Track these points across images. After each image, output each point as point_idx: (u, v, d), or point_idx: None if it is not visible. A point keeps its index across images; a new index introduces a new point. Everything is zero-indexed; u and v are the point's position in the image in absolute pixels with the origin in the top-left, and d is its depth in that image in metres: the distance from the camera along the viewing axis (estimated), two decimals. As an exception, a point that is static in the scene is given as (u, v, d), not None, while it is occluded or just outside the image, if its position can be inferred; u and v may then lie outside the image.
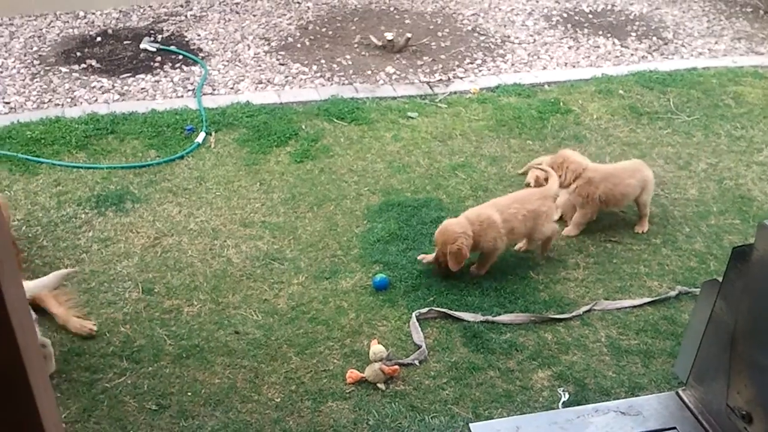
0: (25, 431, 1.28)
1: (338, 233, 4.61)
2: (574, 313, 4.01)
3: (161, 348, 3.73)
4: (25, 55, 6.58)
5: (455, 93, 6.29)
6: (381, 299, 4.10)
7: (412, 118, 5.91)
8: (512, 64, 6.81)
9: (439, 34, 7.36)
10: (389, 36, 6.99)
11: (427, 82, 6.49)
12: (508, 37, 7.33)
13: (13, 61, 6.47)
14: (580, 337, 3.90)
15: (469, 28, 7.49)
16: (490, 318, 3.96)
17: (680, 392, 3.10)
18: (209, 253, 4.37)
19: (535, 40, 7.27)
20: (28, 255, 4.29)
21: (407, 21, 7.61)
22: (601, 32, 7.48)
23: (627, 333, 3.94)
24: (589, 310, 4.05)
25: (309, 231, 4.61)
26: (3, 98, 5.93)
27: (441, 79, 6.54)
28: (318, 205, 4.85)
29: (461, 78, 6.56)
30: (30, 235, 4.46)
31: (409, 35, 7.02)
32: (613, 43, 7.28)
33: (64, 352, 3.67)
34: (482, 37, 7.31)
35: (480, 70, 6.70)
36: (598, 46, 7.19)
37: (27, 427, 1.28)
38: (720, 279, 2.84)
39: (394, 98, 6.22)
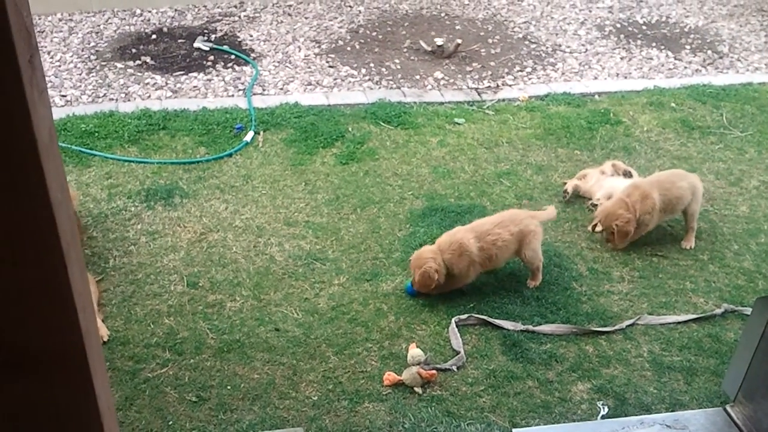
0: (82, 412, 1.32)
1: (380, 236, 4.63)
2: (616, 327, 3.96)
3: (203, 341, 3.79)
4: (82, 50, 6.77)
5: (503, 100, 6.26)
6: (421, 303, 4.11)
7: (458, 124, 5.90)
8: (563, 73, 6.75)
9: (490, 41, 7.34)
10: (439, 41, 6.99)
11: (476, 89, 6.47)
12: (560, 45, 7.27)
13: (71, 56, 6.66)
14: (621, 351, 3.84)
15: (520, 35, 7.45)
16: (530, 327, 3.93)
17: (728, 408, 3.03)
18: (253, 251, 4.43)
19: (586, 50, 7.19)
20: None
21: (458, 27, 7.61)
22: (654, 44, 7.36)
23: (670, 349, 3.87)
24: (632, 324, 3.99)
25: (352, 232, 4.64)
26: (60, 91, 6.11)
27: (490, 86, 6.52)
28: (361, 207, 4.87)
29: (510, 85, 6.52)
30: (81, 225, 4.57)
31: (459, 41, 7.02)
32: (667, 55, 7.16)
33: (109, 340, 3.76)
34: (533, 45, 7.27)
35: (529, 78, 6.65)
36: (651, 58, 7.08)
37: (84, 408, 1.32)
38: (773, 297, 2.77)
39: (442, 103, 6.22)
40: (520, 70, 6.78)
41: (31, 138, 1.06)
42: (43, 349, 1.23)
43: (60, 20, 7.25)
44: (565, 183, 5.05)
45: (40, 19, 7.21)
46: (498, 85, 6.53)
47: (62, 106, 5.91)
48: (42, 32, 7.00)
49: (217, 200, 4.85)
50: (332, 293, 4.15)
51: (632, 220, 4.40)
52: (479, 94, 6.38)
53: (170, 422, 3.35)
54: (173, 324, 3.90)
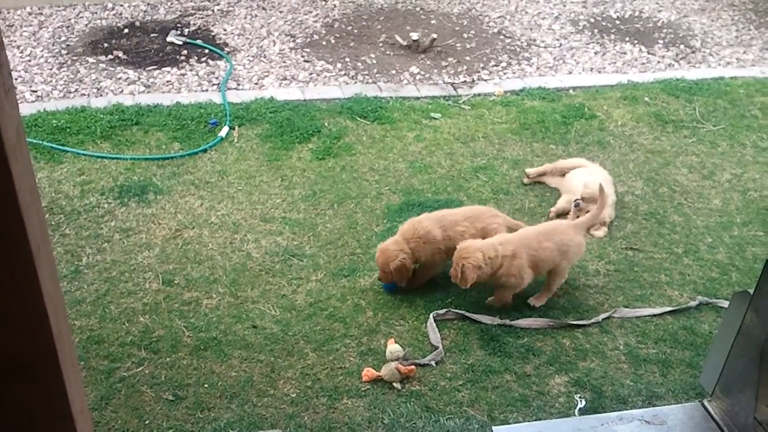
0: (55, 415, 1.29)
1: (358, 231, 4.61)
2: (592, 320, 3.99)
3: (179, 339, 3.75)
4: (53, 45, 6.65)
5: (479, 95, 6.27)
6: (399, 299, 4.10)
7: (435, 118, 5.90)
8: (537, 68, 6.78)
9: (465, 35, 7.34)
10: (414, 36, 6.98)
11: (451, 84, 6.48)
12: (534, 40, 7.30)
13: (41, 50, 6.54)
14: (598, 344, 3.87)
15: (495, 30, 7.47)
16: (507, 322, 3.94)
17: (705, 403, 3.07)
18: (229, 247, 4.39)
19: (561, 45, 7.23)
20: (51, 242, 4.33)
21: (433, 21, 7.60)
22: (628, 38, 7.43)
23: (646, 342, 3.91)
24: (608, 318, 4.02)
25: (329, 228, 4.62)
26: (30, 86, 5.99)
27: (465, 81, 6.53)
28: (338, 202, 4.85)
29: (485, 80, 6.54)
30: (53, 222, 4.50)
31: (434, 36, 7.01)
32: (640, 49, 7.22)
33: (83, 339, 3.70)
34: (508, 40, 7.29)
35: (505, 73, 6.67)
36: (625, 53, 7.14)
37: (57, 410, 1.30)
38: (751, 291, 2.80)
39: (418, 98, 6.21)
40: (495, 65, 6.79)
41: None
42: (14, 353, 1.20)
43: (29, 14, 7.12)
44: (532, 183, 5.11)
45: (9, 13, 7.08)
46: (473, 80, 6.54)
47: (33, 101, 5.81)
48: (11, 26, 6.86)
49: (192, 196, 4.79)
50: (310, 289, 4.13)
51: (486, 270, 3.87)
52: (455, 89, 6.38)
53: (147, 421, 3.31)
54: (149, 322, 3.85)
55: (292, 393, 3.51)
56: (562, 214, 4.78)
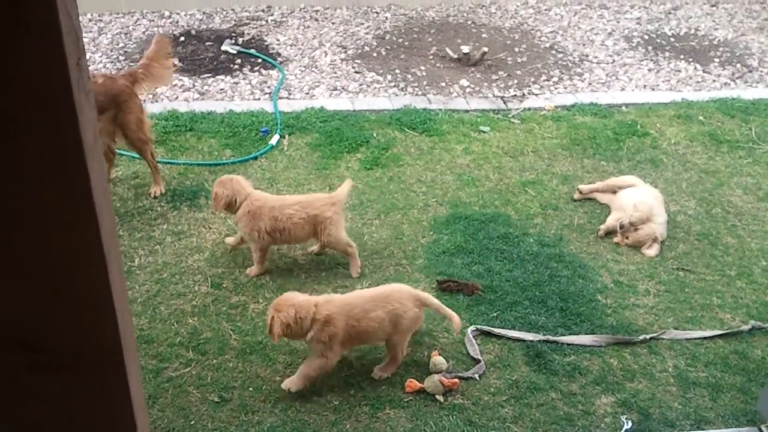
0: (118, 411, 1.32)
1: (404, 242, 4.62)
2: (640, 338, 3.91)
3: (226, 342, 3.80)
4: (111, 51, 6.84)
5: (529, 109, 6.24)
6: (444, 311, 4.08)
7: (484, 132, 5.88)
8: (589, 84, 6.72)
9: (516, 49, 7.32)
10: (465, 49, 6.99)
11: (501, 97, 6.46)
12: (587, 56, 7.24)
13: (100, 56, 6.73)
14: (646, 365, 3.80)
15: (547, 45, 7.43)
16: (551, 338, 3.90)
17: (764, 429, 2.98)
18: (276, 254, 4.44)
19: (614, 61, 7.15)
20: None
21: (484, 35, 7.60)
22: (682, 56, 7.31)
23: (695, 365, 3.82)
24: (657, 338, 3.94)
25: (375, 238, 4.63)
26: (90, 91, 6.16)
27: (515, 95, 6.50)
28: (385, 212, 4.87)
29: (536, 94, 6.50)
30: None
31: (485, 49, 7.01)
32: (695, 68, 7.10)
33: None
34: (560, 55, 7.24)
35: (556, 88, 6.63)
36: (679, 70, 7.03)
37: (119, 407, 1.32)
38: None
39: (467, 111, 6.21)
40: (547, 80, 6.75)
41: (78, 140, 1.07)
42: (82, 347, 1.23)
43: (90, 21, 7.34)
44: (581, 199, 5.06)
45: (71, 19, 7.30)
46: (524, 94, 6.51)
47: (91, 105, 5.97)
48: (72, 32, 7.08)
49: (242, 202, 4.86)
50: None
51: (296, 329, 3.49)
52: (505, 103, 6.36)
53: (192, 422, 3.36)
54: (197, 324, 3.91)
55: (335, 400, 3.53)
56: (611, 232, 4.71)
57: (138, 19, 7.47)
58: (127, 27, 7.30)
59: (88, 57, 6.69)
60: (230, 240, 4.44)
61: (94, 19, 7.39)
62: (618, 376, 3.71)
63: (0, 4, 0.99)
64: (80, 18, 7.24)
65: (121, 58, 6.74)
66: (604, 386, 3.65)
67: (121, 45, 6.97)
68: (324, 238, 4.23)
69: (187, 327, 3.89)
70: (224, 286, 4.18)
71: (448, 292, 4.22)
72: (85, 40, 6.82)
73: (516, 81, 6.73)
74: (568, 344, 3.87)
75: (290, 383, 3.49)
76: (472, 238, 4.66)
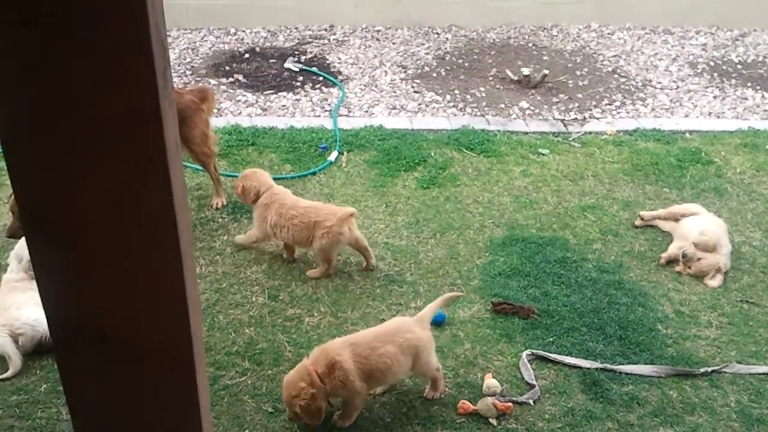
0: (185, 408, 1.35)
1: (459, 262, 4.60)
2: (702, 370, 3.80)
3: (281, 353, 3.83)
4: (178, 66, 7.04)
5: (590, 133, 6.17)
6: (498, 333, 4.05)
7: (543, 154, 5.84)
8: (652, 109, 6.61)
9: (578, 72, 7.26)
10: (526, 71, 6.97)
11: (562, 120, 6.41)
12: (650, 81, 7.13)
13: (169, 70, 6.93)
14: (707, 399, 3.68)
15: (610, 69, 7.35)
16: (609, 366, 3.82)
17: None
18: (332, 269, 4.47)
19: (678, 87, 7.03)
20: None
21: (545, 57, 7.56)
22: (750, 84, 7.14)
23: (759, 401, 3.69)
24: (719, 371, 3.82)
25: (430, 257, 4.63)
26: (157, 104, 6.34)
27: (576, 118, 6.44)
28: (441, 232, 4.86)
29: (597, 118, 6.43)
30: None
31: (546, 72, 6.98)
32: (763, 96, 6.92)
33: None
34: (622, 79, 7.15)
35: (618, 112, 6.54)
36: (746, 98, 6.86)
37: (187, 404, 1.36)
38: None
39: (526, 133, 6.17)
40: (609, 104, 6.67)
41: (161, 145, 1.11)
42: (155, 347, 1.27)
43: (160, 36, 7.57)
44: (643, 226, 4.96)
45: (141, 34, 7.55)
46: (585, 118, 6.45)
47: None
48: (142, 46, 7.31)
49: (300, 216, 4.93)
50: (409, 316, 4.13)
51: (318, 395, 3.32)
52: (565, 126, 6.31)
53: (246, 430, 3.39)
54: (253, 334, 3.96)
55: (387, 417, 3.52)
56: (673, 261, 4.61)
57: (205, 35, 7.68)
58: (194, 42, 7.51)
59: (156, 71, 6.90)
60: (240, 239, 4.66)
61: (163, 34, 7.61)
62: (677, 409, 3.61)
63: (95, 18, 1.04)
64: (150, 33, 7.48)
65: (187, 72, 6.93)
66: (663, 418, 3.55)
67: (188, 60, 7.17)
68: (314, 245, 4.32)
69: (244, 337, 3.94)
70: (280, 298, 4.23)
71: (503, 314, 4.19)
72: (154, 54, 7.05)
73: (577, 104, 6.67)
74: (626, 373, 3.79)
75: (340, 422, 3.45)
76: (528, 261, 4.62)
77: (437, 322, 4.06)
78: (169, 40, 7.51)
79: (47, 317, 1.29)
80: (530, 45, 7.86)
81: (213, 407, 3.49)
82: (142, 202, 1.18)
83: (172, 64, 6.92)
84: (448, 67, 7.32)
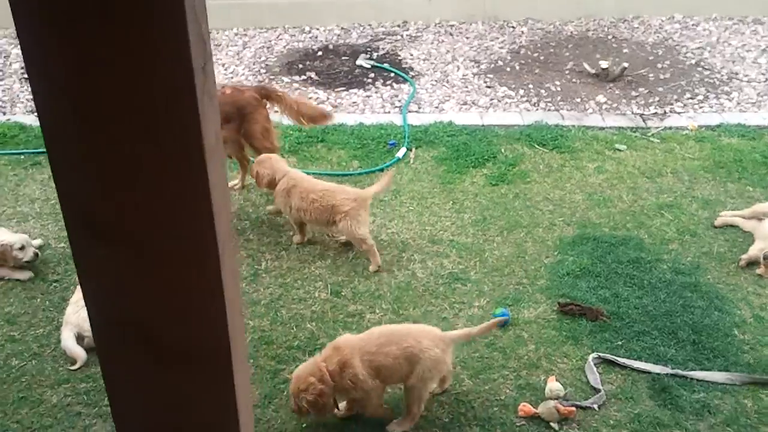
0: (221, 406, 1.35)
1: (526, 261, 4.50)
2: (783, 382, 3.58)
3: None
4: (254, 64, 7.18)
5: (670, 128, 5.91)
6: (564, 335, 3.93)
7: (619, 150, 5.64)
8: (738, 103, 6.27)
9: (659, 65, 6.97)
10: (604, 64, 6.74)
11: (640, 115, 6.17)
12: (736, 74, 6.77)
13: (243, 69, 7.08)
14: (788, 410, 3.46)
15: (693, 61, 7.02)
16: (680, 372, 3.64)
17: None
18: (396, 265, 4.45)
19: (766, 80, 6.64)
20: (235, 246, 4.65)
21: (625, 50, 7.30)
22: None
23: None
24: (802, 382, 3.59)
25: (496, 255, 4.54)
26: (232, 101, 6.49)
27: (656, 113, 6.19)
28: (508, 230, 4.77)
29: (678, 113, 6.15)
30: (239, 228, 4.82)
31: (625, 65, 6.73)
32: None
33: (255, 339, 3.91)
34: (706, 72, 6.82)
35: (701, 107, 6.24)
36: None
37: (223, 402, 1.36)
38: None
39: (602, 128, 5.97)
40: (691, 98, 6.38)
41: (199, 139, 1.11)
42: (190, 344, 1.27)
43: (236, 35, 7.74)
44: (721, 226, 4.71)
45: (218, 33, 7.74)
46: (665, 112, 6.18)
47: (232, 115, 6.28)
48: (218, 45, 7.50)
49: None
50: (471, 315, 4.08)
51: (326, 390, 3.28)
52: (644, 121, 6.07)
53: (304, 425, 3.42)
54: (315, 329, 3.99)
55: (445, 417, 3.48)
56: (754, 262, 4.35)
57: (280, 34, 7.79)
58: (270, 41, 7.64)
59: (231, 70, 7.05)
60: (270, 208, 4.86)
61: (240, 33, 7.78)
62: (752, 419, 3.40)
63: (134, 12, 1.04)
64: (227, 32, 7.67)
65: (262, 71, 7.06)
66: (736, 428, 3.36)
67: (263, 59, 7.30)
68: (335, 228, 4.41)
69: (305, 332, 3.98)
70: (343, 294, 4.24)
71: (570, 315, 4.06)
72: (229, 53, 7.22)
73: (657, 98, 6.40)
74: (698, 380, 3.60)
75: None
76: (599, 260, 4.47)
77: (501, 323, 3.99)
78: (246, 39, 7.68)
79: (90, 318, 1.28)
80: (610, 37, 7.60)
81: (272, 400, 3.54)
82: (179, 198, 1.17)
83: (247, 63, 7.08)
84: (523, 61, 7.17)
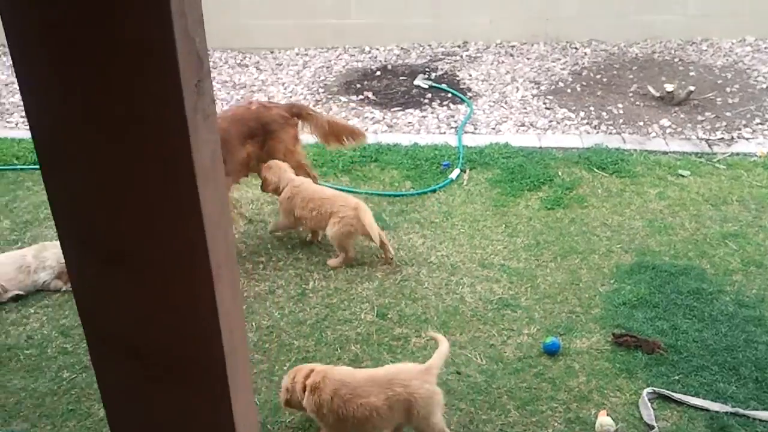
0: (218, 422, 1.32)
1: (580, 288, 4.34)
2: None
3: (384, 374, 3.77)
4: (312, 83, 7.24)
5: (737, 154, 5.66)
6: (617, 367, 3.76)
7: (682, 176, 5.42)
8: (813, 128, 5.97)
9: (728, 89, 6.71)
10: (669, 87, 6.53)
11: (706, 140, 5.93)
12: (812, 97, 6.45)
13: (302, 88, 7.14)
14: None
15: (764, 86, 6.74)
16: (741, 411, 3.43)
17: None
18: (444, 288, 4.37)
19: None
20: (284, 264, 4.65)
21: (692, 73, 7.06)
22: None
23: None
24: None
25: (549, 281, 4.40)
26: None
27: (723, 138, 5.94)
28: (563, 255, 4.62)
29: (747, 139, 5.89)
30: (290, 246, 4.82)
31: (692, 88, 6.50)
32: None
33: (299, 359, 3.87)
34: (779, 96, 6.52)
35: (771, 132, 5.97)
36: None
37: (221, 422, 1.32)
38: None
39: (665, 153, 5.77)
40: (761, 123, 6.10)
41: (189, 158, 1.08)
42: (183, 360, 1.24)
43: (297, 54, 7.84)
44: None
45: (280, 52, 7.85)
46: (733, 138, 5.93)
47: (289, 134, 6.32)
48: (280, 65, 7.60)
49: (415, 234, 4.87)
50: (520, 343, 3.95)
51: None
52: (710, 146, 5.83)
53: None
54: (359, 352, 3.93)
55: (488, 449, 3.36)
56: None
57: (340, 54, 7.85)
58: (330, 61, 7.70)
59: (291, 89, 7.13)
60: (271, 227, 4.97)
61: (301, 53, 7.88)
62: (822, 468, 3.17)
63: (123, 29, 1.03)
64: (289, 52, 7.76)
65: (320, 90, 7.11)
66: (803, 477, 3.13)
67: (321, 78, 7.36)
68: (327, 231, 4.54)
69: (350, 353, 3.92)
70: (389, 316, 4.18)
71: (625, 347, 3.89)
72: (290, 72, 7.30)
73: (724, 123, 6.15)
74: (760, 420, 3.38)
75: None
76: (658, 290, 4.28)
77: (551, 351, 3.85)
78: (306, 58, 7.76)
79: (85, 332, 1.29)
80: (676, 60, 7.37)
81: (312, 422, 3.48)
82: (170, 216, 1.15)
83: (306, 82, 7.14)
84: (585, 83, 7.01)
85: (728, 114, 6.28)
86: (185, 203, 1.11)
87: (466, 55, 7.70)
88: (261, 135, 4.76)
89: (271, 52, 7.87)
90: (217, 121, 5.00)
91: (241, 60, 7.75)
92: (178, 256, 1.15)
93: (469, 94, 6.89)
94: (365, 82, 7.23)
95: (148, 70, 1.05)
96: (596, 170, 5.52)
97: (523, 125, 6.28)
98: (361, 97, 6.93)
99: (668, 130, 6.10)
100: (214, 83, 7.22)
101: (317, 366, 3.36)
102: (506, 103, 6.69)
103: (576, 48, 7.75)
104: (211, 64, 7.63)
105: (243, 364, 1.34)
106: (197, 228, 1.14)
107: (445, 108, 6.63)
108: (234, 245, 1.32)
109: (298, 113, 4.93)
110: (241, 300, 1.40)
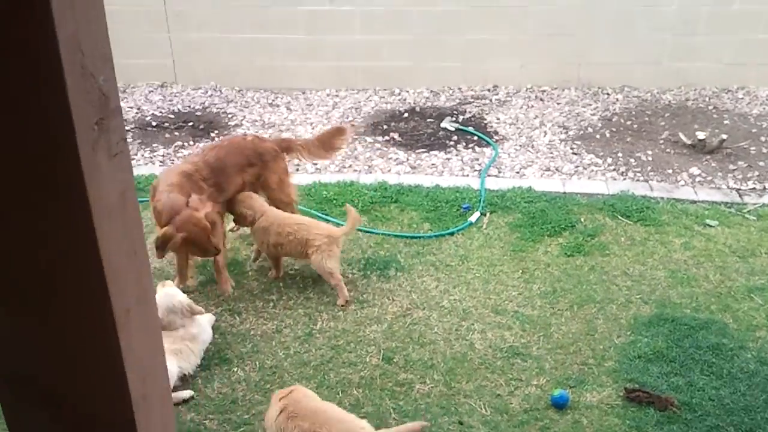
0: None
1: (595, 339, 4.20)
2: None
3: (385, 420, 3.68)
4: (340, 124, 7.27)
5: (769, 205, 5.48)
6: (628, 424, 3.61)
7: (710, 226, 5.26)
8: None
9: (762, 138, 6.53)
10: (701, 135, 6.39)
11: (737, 190, 5.76)
12: None
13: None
14: None
15: (801, 134, 6.54)
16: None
17: None
18: (453, 334, 4.27)
19: None
20: (294, 303, 4.62)
21: (726, 121, 6.90)
22: None
23: None
24: None
25: (563, 330, 4.28)
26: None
27: (755, 188, 5.76)
28: (579, 304, 4.49)
29: (780, 189, 5.70)
30: (301, 285, 4.80)
31: (724, 137, 6.35)
32: None
33: (298, 401, 3.81)
34: (816, 146, 6.32)
35: (805, 183, 5.76)
36: None
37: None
38: None
39: (694, 202, 5.61)
40: (796, 173, 5.90)
41: (84, 199, 1.05)
42: (95, 415, 1.20)
43: (327, 95, 7.91)
44: None
45: (311, 93, 7.94)
46: (765, 188, 5.74)
47: (312, 173, 6.36)
48: (310, 105, 7.68)
49: (429, 277, 4.80)
50: (528, 394, 3.82)
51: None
52: (740, 196, 5.66)
53: (333, 498, 3.26)
54: (360, 396, 3.85)
55: (485, 504, 3.22)
56: None
57: (370, 96, 7.90)
58: (359, 102, 7.76)
59: (319, 128, 7.17)
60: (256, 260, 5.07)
61: (332, 94, 7.95)
62: None
63: (11, 63, 1.01)
64: (320, 92, 7.83)
65: (347, 130, 7.13)
66: None
67: (350, 119, 7.40)
68: (311, 260, 4.62)
69: (351, 398, 3.85)
70: (395, 360, 4.10)
71: (637, 402, 3.73)
72: (319, 112, 7.36)
73: (757, 173, 5.97)
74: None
75: None
76: (676, 344, 4.11)
77: (559, 404, 3.72)
78: (336, 99, 7.83)
79: None
80: (710, 108, 7.22)
81: (303, 467, 3.40)
82: (67, 262, 1.11)
83: (334, 122, 7.19)
84: (614, 129, 6.91)
85: (761, 164, 6.10)
86: (81, 245, 1.08)
87: (496, 99, 7.68)
88: (258, 164, 4.94)
89: (303, 93, 7.96)
90: (215, 150, 5.13)
91: (273, 100, 7.86)
92: (75, 299, 1.12)
93: (496, 137, 6.84)
94: (392, 123, 7.25)
95: (34, 109, 1.02)
96: (620, 217, 5.39)
97: (548, 170, 6.20)
98: (386, 138, 6.94)
99: (698, 179, 5.95)
100: (243, 122, 7.33)
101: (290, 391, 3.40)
102: (533, 147, 6.62)
103: (608, 94, 7.66)
104: (243, 103, 7.77)
105: (162, 414, 1.29)
106: (96, 269, 1.10)
107: (470, 151, 6.60)
108: (152, 287, 1.28)
109: (287, 147, 5.14)
110: (161, 345, 1.35)
